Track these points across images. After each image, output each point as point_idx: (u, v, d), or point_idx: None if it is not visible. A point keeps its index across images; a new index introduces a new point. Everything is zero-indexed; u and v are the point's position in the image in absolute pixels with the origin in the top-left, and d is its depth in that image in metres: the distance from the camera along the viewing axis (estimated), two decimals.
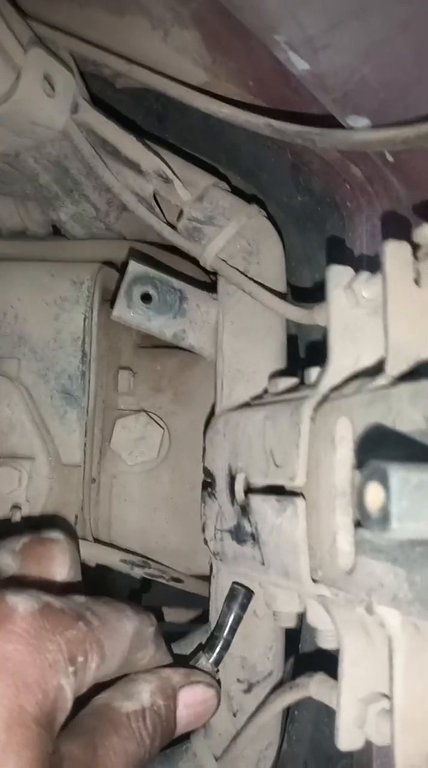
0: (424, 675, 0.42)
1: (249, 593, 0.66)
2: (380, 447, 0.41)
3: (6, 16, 0.59)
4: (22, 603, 0.44)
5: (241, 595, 0.66)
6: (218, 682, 0.63)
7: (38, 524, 0.71)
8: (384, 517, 0.30)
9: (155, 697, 0.52)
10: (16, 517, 0.69)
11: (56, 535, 0.58)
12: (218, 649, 0.66)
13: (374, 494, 0.31)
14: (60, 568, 0.56)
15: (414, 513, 0.30)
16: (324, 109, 0.55)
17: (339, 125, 0.54)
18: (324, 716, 0.73)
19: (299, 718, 0.75)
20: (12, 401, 0.73)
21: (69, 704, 0.44)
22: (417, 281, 0.46)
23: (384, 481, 0.30)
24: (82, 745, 0.45)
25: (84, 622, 0.46)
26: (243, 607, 0.66)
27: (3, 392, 0.73)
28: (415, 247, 0.47)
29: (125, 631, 0.50)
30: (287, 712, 0.74)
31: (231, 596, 0.67)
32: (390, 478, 0.30)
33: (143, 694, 0.51)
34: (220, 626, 0.66)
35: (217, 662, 0.66)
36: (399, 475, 0.30)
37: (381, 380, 0.44)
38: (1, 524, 0.70)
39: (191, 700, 0.55)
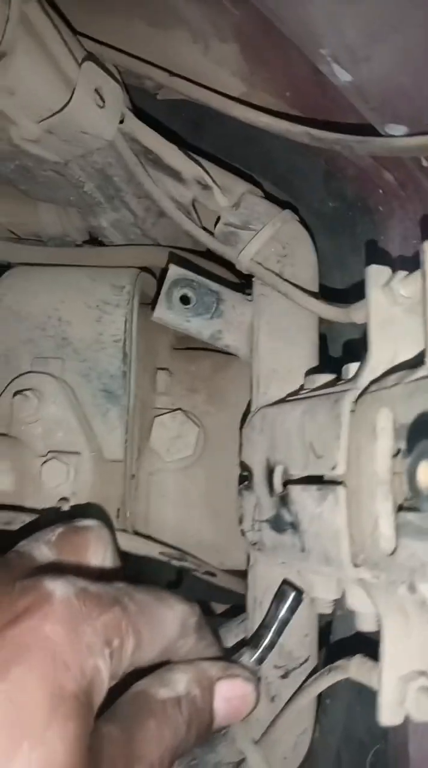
0: None
1: (299, 596, 0.65)
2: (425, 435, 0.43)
3: (62, 33, 0.63)
4: (59, 588, 0.45)
5: (291, 598, 0.65)
6: (259, 680, 0.62)
7: (73, 514, 0.73)
8: None
9: (190, 686, 0.52)
10: (65, 508, 0.72)
11: (89, 522, 0.59)
12: (262, 648, 0.66)
13: (426, 472, 0.34)
14: (95, 554, 0.57)
15: None
16: (360, 117, 0.57)
17: (374, 132, 0.57)
18: (356, 705, 0.75)
19: (331, 707, 0.77)
20: (58, 399, 0.76)
21: (105, 686, 0.45)
22: None
23: None
24: (121, 729, 0.46)
25: (120, 607, 0.47)
26: (292, 610, 0.65)
27: (50, 391, 0.76)
28: None
29: (163, 618, 0.51)
30: (319, 702, 0.75)
31: (280, 597, 0.66)
32: None
33: (179, 683, 0.52)
34: (267, 625, 0.66)
35: (260, 661, 0.66)
36: None
37: (422, 372, 0.47)
38: (49, 514, 0.73)
39: (230, 693, 0.55)
